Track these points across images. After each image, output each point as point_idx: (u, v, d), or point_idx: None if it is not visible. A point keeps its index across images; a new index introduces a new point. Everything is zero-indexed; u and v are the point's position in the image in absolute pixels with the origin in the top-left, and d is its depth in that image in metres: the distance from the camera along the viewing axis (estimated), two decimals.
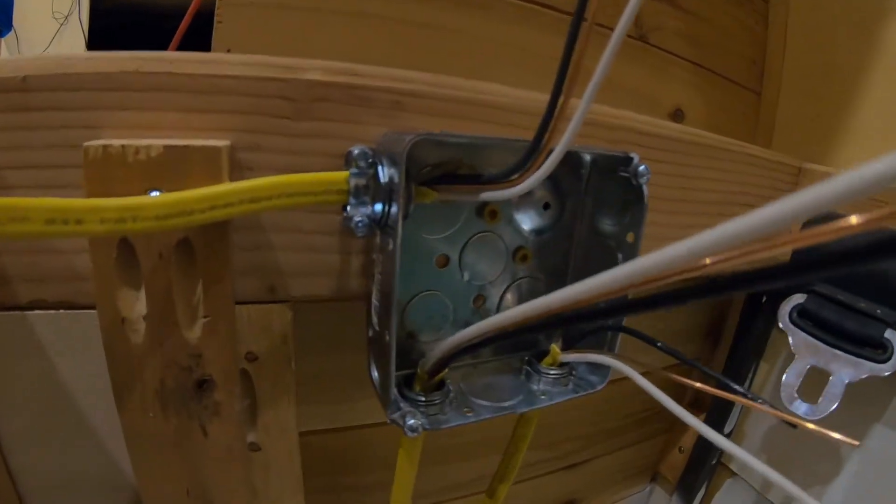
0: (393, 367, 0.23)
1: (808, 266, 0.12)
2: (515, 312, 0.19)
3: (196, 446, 0.23)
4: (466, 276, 0.28)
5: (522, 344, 0.31)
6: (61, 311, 0.23)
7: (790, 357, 0.41)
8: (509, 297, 0.30)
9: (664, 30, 0.55)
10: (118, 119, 0.21)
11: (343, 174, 0.22)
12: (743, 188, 0.40)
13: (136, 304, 0.21)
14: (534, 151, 0.21)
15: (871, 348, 0.38)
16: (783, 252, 0.11)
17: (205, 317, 0.21)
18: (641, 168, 0.26)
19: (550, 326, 0.27)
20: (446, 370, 0.25)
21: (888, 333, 0.37)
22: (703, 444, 0.54)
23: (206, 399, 0.22)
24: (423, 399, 0.25)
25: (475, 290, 0.29)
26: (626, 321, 0.28)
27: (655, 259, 0.13)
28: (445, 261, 0.28)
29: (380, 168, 0.22)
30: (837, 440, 0.23)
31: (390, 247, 0.22)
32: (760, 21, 0.62)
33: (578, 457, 0.53)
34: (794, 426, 0.24)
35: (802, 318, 0.40)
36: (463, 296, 0.29)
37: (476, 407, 0.26)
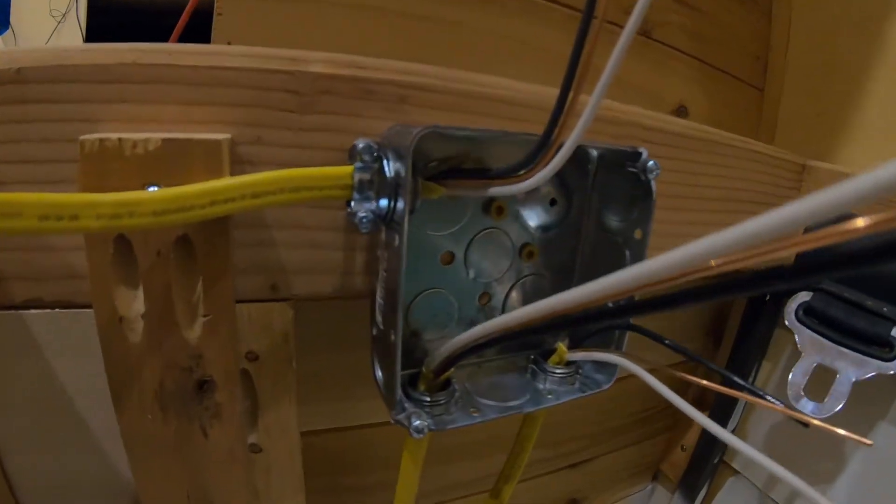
0: (398, 367, 0.22)
1: (815, 267, 0.12)
2: (523, 313, 0.19)
3: (196, 449, 0.22)
4: (472, 274, 0.28)
5: (528, 342, 0.30)
6: (58, 310, 0.22)
7: (793, 356, 0.40)
8: (515, 294, 0.30)
9: (668, 25, 0.54)
10: (116, 112, 0.20)
11: (347, 169, 0.21)
12: (746, 185, 0.39)
13: (134, 303, 0.20)
14: (543, 146, 0.20)
15: (878, 346, 0.37)
16: (789, 254, 0.11)
17: (205, 316, 0.21)
18: (651, 163, 0.25)
19: (558, 327, 0.26)
20: (452, 370, 0.25)
21: (895, 331, 0.37)
22: (705, 442, 0.54)
23: (207, 400, 0.22)
24: (429, 399, 0.24)
25: (481, 288, 0.28)
26: (632, 320, 0.28)
27: (664, 261, 0.13)
28: (450, 258, 0.27)
29: (385, 162, 0.21)
30: (850, 439, 0.22)
31: (396, 243, 0.21)
32: (763, 17, 0.62)
33: (581, 456, 0.52)
34: (806, 425, 0.24)
35: (809, 315, 0.40)
36: (468, 293, 0.28)
37: (482, 407, 0.26)
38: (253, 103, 0.21)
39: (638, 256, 0.27)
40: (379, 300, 0.24)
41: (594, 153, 0.28)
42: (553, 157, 0.20)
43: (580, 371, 0.29)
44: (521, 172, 0.22)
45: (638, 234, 0.27)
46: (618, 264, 0.28)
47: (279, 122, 0.22)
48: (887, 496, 0.43)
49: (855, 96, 0.56)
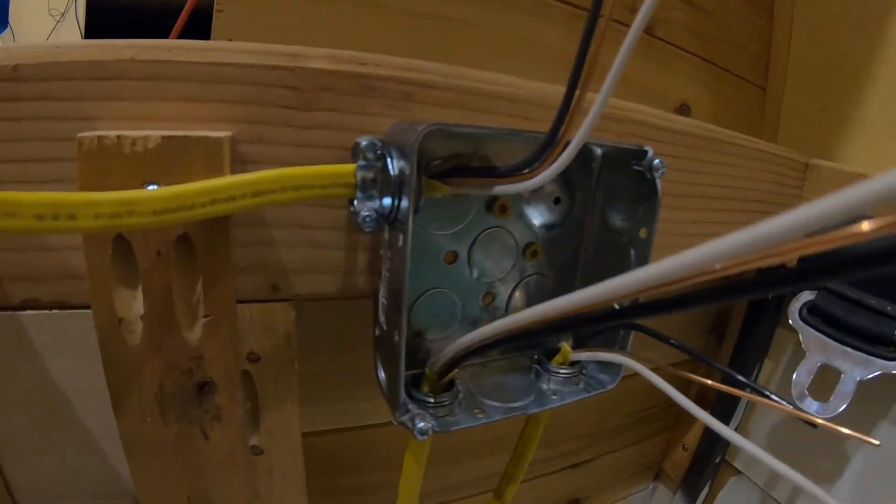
0: (402, 368, 0.22)
1: (819, 271, 0.12)
2: (528, 314, 0.19)
3: (197, 452, 0.22)
4: (475, 273, 0.27)
5: (532, 342, 0.30)
6: (56, 311, 0.22)
7: (795, 355, 0.40)
8: (518, 294, 0.29)
9: (671, 22, 0.54)
10: (114, 109, 0.20)
11: (350, 167, 0.21)
12: (750, 184, 0.39)
13: (134, 304, 0.20)
14: (549, 144, 0.20)
15: (882, 345, 0.37)
16: (793, 257, 0.11)
17: (205, 316, 0.20)
18: (656, 162, 0.25)
19: (563, 329, 0.26)
20: (456, 370, 0.24)
21: None
22: (707, 441, 0.54)
23: (207, 403, 0.21)
24: (432, 400, 0.24)
25: (484, 288, 0.28)
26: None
27: (670, 264, 0.13)
28: (454, 257, 0.27)
29: (389, 160, 0.21)
30: (857, 439, 0.22)
31: (400, 243, 0.21)
32: (765, 16, 0.62)
33: (582, 455, 0.52)
34: (813, 425, 0.23)
35: (812, 314, 0.40)
36: (472, 293, 0.28)
37: (486, 408, 0.26)
38: (253, 100, 0.21)
39: (643, 256, 0.26)
40: (382, 300, 0.24)
41: (598, 151, 0.28)
42: (559, 155, 0.20)
43: (584, 371, 0.29)
44: (527, 170, 0.21)
45: (643, 233, 0.26)
46: (622, 264, 0.28)
47: (280, 119, 0.21)
48: (890, 495, 0.43)
49: (856, 94, 0.56)
